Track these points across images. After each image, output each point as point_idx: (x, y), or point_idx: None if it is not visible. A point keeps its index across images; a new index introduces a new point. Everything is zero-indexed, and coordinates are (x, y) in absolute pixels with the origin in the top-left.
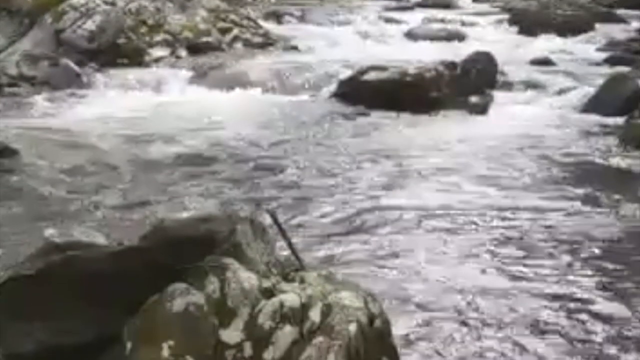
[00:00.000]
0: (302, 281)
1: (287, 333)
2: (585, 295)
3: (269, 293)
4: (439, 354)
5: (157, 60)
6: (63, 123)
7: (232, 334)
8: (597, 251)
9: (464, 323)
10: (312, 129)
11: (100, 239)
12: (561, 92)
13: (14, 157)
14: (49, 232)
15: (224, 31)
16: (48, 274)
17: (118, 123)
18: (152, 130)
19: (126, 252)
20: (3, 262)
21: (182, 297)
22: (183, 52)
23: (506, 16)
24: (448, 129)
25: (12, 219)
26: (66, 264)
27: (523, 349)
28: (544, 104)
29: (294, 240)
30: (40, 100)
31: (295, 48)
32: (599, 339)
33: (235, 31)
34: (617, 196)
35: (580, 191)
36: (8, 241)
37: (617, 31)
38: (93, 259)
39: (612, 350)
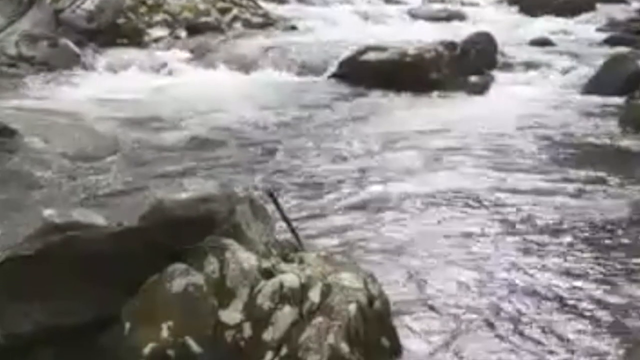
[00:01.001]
0: (301, 262)
1: (286, 314)
2: (587, 275)
3: (268, 274)
4: (440, 335)
5: (157, 40)
6: (62, 103)
7: (231, 315)
8: (598, 231)
9: (466, 304)
10: (312, 110)
11: (99, 220)
12: (561, 72)
13: (12, 138)
14: (48, 212)
15: (223, 11)
16: (47, 254)
17: (117, 104)
18: (151, 111)
19: (125, 233)
20: (2, 243)
21: (182, 278)
22: (182, 33)
23: None
24: (448, 109)
25: (10, 199)
26: (65, 245)
27: (524, 330)
28: (544, 85)
29: (293, 221)
30: (39, 80)
31: (294, 28)
32: (601, 319)
33: (235, 11)
34: (617, 176)
35: (581, 172)
36: (7, 221)
37: (618, 11)
38: (92, 240)
39: (615, 333)
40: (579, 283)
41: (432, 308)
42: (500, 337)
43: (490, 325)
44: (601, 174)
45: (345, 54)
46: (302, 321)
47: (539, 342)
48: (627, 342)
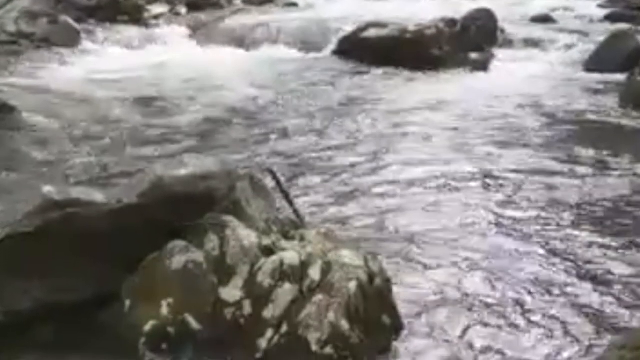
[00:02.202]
0: (302, 239)
1: (286, 291)
2: (589, 253)
3: (268, 251)
4: (441, 313)
5: (157, 17)
6: (62, 80)
7: (231, 292)
8: (599, 207)
9: (468, 284)
10: (312, 88)
11: (99, 197)
12: (562, 49)
13: (12, 114)
14: (48, 189)
15: None
16: (46, 231)
17: (117, 80)
18: (151, 88)
19: (125, 210)
20: (1, 220)
21: (182, 255)
22: (183, 9)
23: None
24: (449, 86)
25: (10, 176)
26: (65, 222)
27: (525, 305)
28: (544, 61)
29: (293, 197)
30: (39, 57)
31: (295, 5)
32: (603, 296)
33: None
34: (618, 153)
35: (581, 149)
36: (6, 199)
37: None
38: (92, 217)
39: (619, 308)
40: (578, 259)
41: (434, 286)
42: (503, 317)
43: (493, 305)
44: (602, 151)
45: (346, 30)
46: (302, 299)
47: (542, 323)
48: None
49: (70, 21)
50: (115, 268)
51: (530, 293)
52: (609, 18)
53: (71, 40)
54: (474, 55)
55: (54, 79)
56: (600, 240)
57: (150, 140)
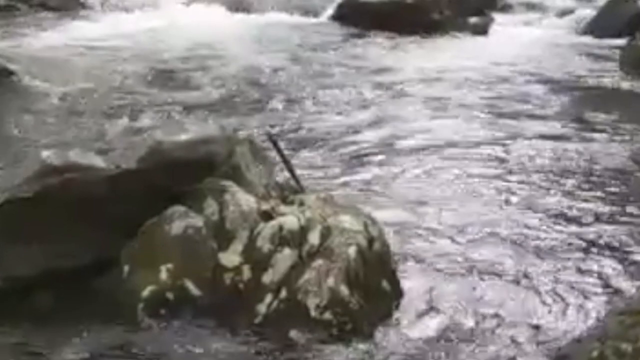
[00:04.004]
0: (301, 204)
1: (286, 256)
2: (590, 219)
3: (267, 216)
4: (442, 279)
5: None
6: (60, 44)
7: (230, 257)
8: (600, 173)
9: (468, 249)
10: (311, 53)
11: (97, 162)
12: (561, 14)
13: (10, 78)
14: (46, 154)
15: None
16: (45, 196)
17: (115, 45)
18: (150, 53)
19: (124, 175)
20: (0, 185)
21: (181, 220)
22: None
23: None
24: (449, 51)
25: (8, 141)
26: (64, 187)
27: (526, 271)
28: (544, 26)
29: (293, 163)
30: (37, 21)
31: None
32: (605, 263)
33: None
34: (618, 118)
35: (582, 114)
36: (5, 164)
37: None
38: (90, 182)
39: (620, 275)
40: (580, 225)
41: (434, 252)
42: (504, 283)
43: (494, 271)
44: (601, 116)
45: None
46: (302, 264)
47: (543, 289)
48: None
49: None
50: (114, 233)
51: (531, 259)
52: None
53: (70, 3)
54: (473, 20)
55: (53, 43)
56: (601, 205)
57: (149, 103)
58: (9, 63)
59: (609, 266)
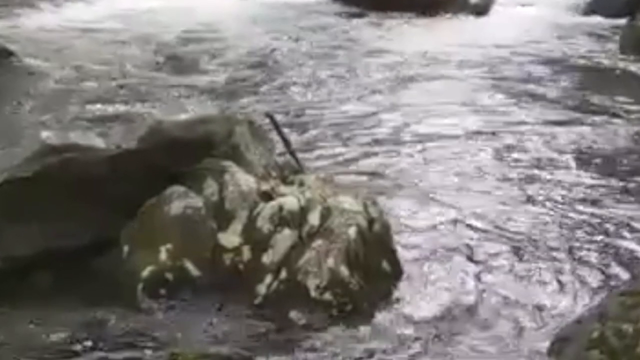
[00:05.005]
0: (301, 184)
1: (285, 236)
2: (591, 199)
3: (267, 196)
4: (442, 260)
5: None
6: (59, 25)
7: (230, 238)
8: (601, 153)
9: (470, 230)
10: (308, 33)
11: (97, 142)
12: None
13: (9, 59)
14: (46, 134)
15: None
16: (45, 176)
17: (114, 25)
18: (148, 34)
19: (123, 155)
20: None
21: (180, 200)
22: None
23: None
24: (449, 31)
25: (8, 121)
26: (63, 167)
27: (526, 252)
28: (545, 5)
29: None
30: (35, 1)
31: None
32: (606, 243)
33: None
34: (618, 99)
35: (582, 94)
36: (5, 143)
37: None
38: (90, 162)
39: (621, 256)
40: (581, 206)
41: (434, 233)
42: (504, 263)
43: (494, 251)
44: (601, 96)
45: None
46: (302, 244)
47: (544, 269)
48: None
49: None
50: (113, 213)
51: (531, 240)
52: None
53: None
54: (474, 0)
55: (52, 24)
56: (602, 187)
57: (148, 84)
58: (8, 43)
59: (610, 247)
